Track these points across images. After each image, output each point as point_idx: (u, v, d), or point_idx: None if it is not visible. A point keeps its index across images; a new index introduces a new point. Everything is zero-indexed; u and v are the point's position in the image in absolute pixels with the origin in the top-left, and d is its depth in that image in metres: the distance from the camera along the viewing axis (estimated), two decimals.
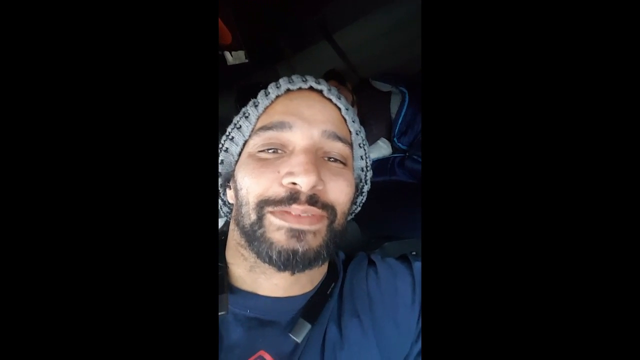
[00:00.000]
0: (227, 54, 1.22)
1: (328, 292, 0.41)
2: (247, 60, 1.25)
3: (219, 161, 0.40)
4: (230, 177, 0.40)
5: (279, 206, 0.34)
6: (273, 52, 1.43)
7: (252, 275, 0.38)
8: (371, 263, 0.45)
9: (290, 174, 0.34)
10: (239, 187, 0.37)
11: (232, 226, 0.40)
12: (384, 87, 1.19)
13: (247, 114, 0.40)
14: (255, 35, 1.33)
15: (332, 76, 1.21)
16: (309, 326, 0.37)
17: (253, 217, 0.35)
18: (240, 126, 0.40)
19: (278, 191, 0.34)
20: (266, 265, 0.35)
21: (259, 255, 0.35)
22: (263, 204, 0.35)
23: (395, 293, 0.41)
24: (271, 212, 0.34)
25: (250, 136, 0.39)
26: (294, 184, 0.34)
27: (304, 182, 0.33)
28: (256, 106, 0.40)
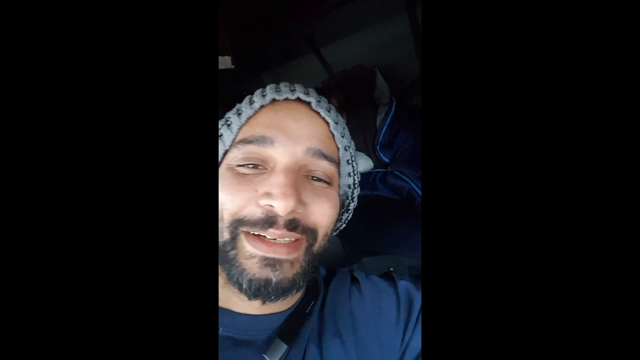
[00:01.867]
0: None
1: (307, 311, 0.39)
2: (233, 66, 1.23)
3: None
4: None
5: (254, 228, 0.32)
6: (260, 60, 1.42)
7: (226, 292, 0.36)
8: (354, 280, 0.44)
9: (268, 195, 0.32)
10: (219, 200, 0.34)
11: None
12: (382, 85, 1.21)
13: (229, 122, 0.37)
14: (242, 42, 1.32)
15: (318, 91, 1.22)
16: (285, 347, 0.34)
17: (226, 235, 0.32)
18: (222, 134, 0.37)
19: (254, 211, 0.32)
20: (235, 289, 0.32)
21: (229, 277, 0.32)
22: (237, 223, 0.32)
23: (380, 312, 0.39)
24: (245, 234, 0.32)
25: (230, 148, 0.36)
26: (271, 206, 0.32)
27: (281, 207, 0.31)
28: (239, 114, 0.37)
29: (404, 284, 0.41)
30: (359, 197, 1.06)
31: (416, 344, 0.37)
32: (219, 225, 0.33)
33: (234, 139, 0.36)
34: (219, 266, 0.34)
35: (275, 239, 0.32)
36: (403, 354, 0.38)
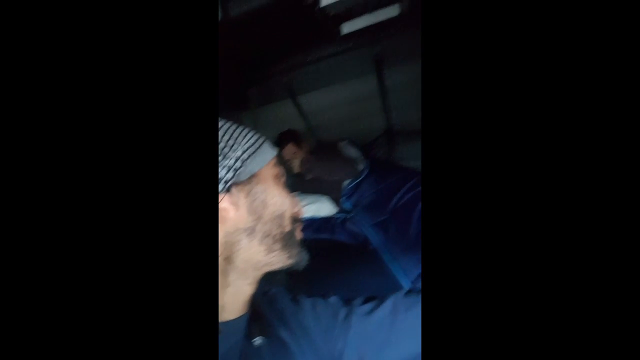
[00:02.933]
0: None
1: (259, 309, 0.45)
2: None
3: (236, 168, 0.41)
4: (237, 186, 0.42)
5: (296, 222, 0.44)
6: (240, 101, 1.50)
7: (234, 288, 0.41)
8: (294, 300, 0.50)
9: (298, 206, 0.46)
10: (270, 201, 0.42)
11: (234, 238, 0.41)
12: (350, 151, 1.29)
13: (248, 160, 0.43)
14: (225, 83, 1.40)
15: (289, 137, 1.29)
16: (261, 325, 0.41)
17: (288, 228, 0.43)
18: (258, 151, 0.43)
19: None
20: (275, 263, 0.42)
21: (292, 257, 0.43)
22: (292, 219, 0.43)
23: (317, 323, 0.45)
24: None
25: (261, 170, 0.43)
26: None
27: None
28: (264, 155, 0.44)
29: (333, 298, 0.49)
30: (317, 240, 1.10)
31: (348, 350, 0.43)
32: (280, 222, 0.42)
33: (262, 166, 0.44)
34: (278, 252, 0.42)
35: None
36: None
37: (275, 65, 1.40)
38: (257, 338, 0.40)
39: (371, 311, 0.45)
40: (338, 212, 1.20)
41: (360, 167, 1.20)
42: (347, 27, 1.12)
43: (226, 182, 0.39)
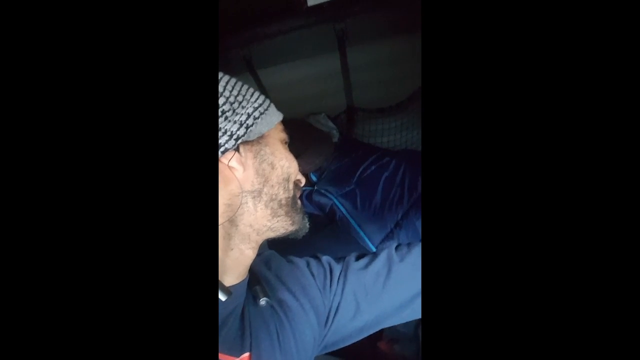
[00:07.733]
0: None
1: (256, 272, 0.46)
2: None
3: (246, 128, 0.39)
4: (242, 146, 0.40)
5: (297, 188, 0.45)
6: None
7: (227, 263, 0.40)
8: (289, 260, 0.51)
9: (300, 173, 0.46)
10: (278, 164, 0.41)
11: (250, 204, 0.40)
12: (328, 124, 1.29)
13: (258, 120, 0.41)
14: None
15: None
16: (262, 287, 0.42)
17: (292, 192, 0.43)
18: (256, 124, 0.41)
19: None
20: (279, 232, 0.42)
21: (295, 223, 0.42)
22: (296, 185, 0.43)
23: (312, 279, 0.48)
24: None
25: (268, 132, 0.43)
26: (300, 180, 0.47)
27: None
28: (271, 115, 0.43)
29: (326, 258, 0.51)
30: None
31: (345, 304, 0.46)
32: (285, 185, 0.42)
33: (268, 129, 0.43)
34: (282, 217, 0.42)
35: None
36: (328, 315, 0.46)
37: (233, 36, 1.34)
38: (262, 299, 0.41)
39: (367, 265, 0.47)
40: (303, 186, 1.22)
41: (335, 140, 1.23)
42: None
43: (237, 139, 0.38)
